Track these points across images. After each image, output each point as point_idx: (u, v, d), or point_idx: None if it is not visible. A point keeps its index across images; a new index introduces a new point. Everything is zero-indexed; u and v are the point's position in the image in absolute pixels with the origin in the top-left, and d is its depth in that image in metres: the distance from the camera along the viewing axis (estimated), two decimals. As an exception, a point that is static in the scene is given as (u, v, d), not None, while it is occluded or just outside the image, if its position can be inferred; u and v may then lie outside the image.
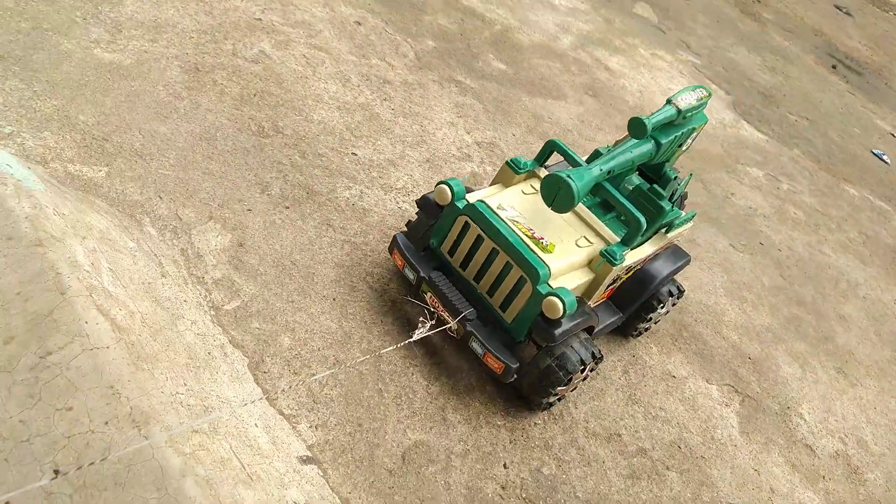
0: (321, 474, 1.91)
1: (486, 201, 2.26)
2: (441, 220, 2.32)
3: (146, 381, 1.65)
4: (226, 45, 3.24)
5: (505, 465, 2.18)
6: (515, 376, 2.20)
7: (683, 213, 2.59)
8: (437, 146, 3.30)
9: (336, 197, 2.77)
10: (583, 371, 2.26)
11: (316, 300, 2.35)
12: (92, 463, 1.43)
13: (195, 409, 1.72)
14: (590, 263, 2.28)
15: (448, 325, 2.22)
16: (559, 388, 2.20)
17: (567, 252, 2.23)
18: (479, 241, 2.23)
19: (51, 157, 2.33)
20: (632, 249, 2.36)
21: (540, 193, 2.15)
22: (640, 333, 2.79)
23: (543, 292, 2.08)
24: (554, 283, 2.13)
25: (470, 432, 2.20)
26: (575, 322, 2.15)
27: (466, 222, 2.25)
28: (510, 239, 2.15)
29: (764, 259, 3.65)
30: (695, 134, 2.49)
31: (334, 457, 1.97)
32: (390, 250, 2.42)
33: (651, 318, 2.68)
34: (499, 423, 2.29)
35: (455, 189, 2.28)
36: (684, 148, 2.52)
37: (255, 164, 2.73)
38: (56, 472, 1.43)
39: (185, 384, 1.77)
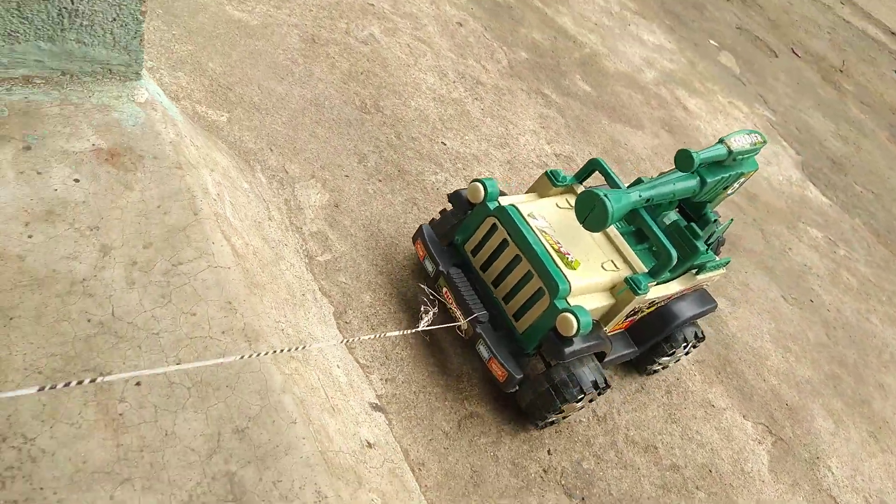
0: (387, 423, 2.06)
1: (518, 207, 2.22)
2: (470, 217, 2.29)
3: (257, 304, 1.82)
4: (340, 24, 3.44)
5: (549, 452, 2.31)
6: (517, 387, 2.17)
7: (718, 258, 2.55)
8: (518, 150, 3.46)
9: (423, 179, 2.93)
10: (585, 396, 2.20)
11: (397, 268, 2.51)
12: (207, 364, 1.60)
13: (293, 339, 1.89)
14: (612, 288, 2.22)
15: (458, 324, 2.21)
16: (562, 408, 2.17)
17: (591, 272, 2.17)
18: (503, 245, 2.19)
19: (182, 96, 2.54)
20: (658, 283, 2.30)
21: (574, 209, 2.10)
22: (653, 373, 2.75)
23: (560, 307, 2.03)
24: (572, 301, 2.08)
25: (520, 416, 2.34)
26: (587, 344, 2.10)
27: (494, 224, 2.21)
28: (535, 248, 2.10)
29: (812, 316, 3.73)
30: (743, 179, 2.42)
31: (399, 410, 2.12)
32: (414, 240, 2.40)
33: (666, 359, 2.65)
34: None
35: (489, 189, 2.24)
36: (730, 192, 2.46)
37: (356, 136, 2.91)
38: (179, 364, 1.60)
39: (285, 316, 1.94)
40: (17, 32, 1.78)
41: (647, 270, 2.24)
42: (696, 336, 2.62)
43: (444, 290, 2.27)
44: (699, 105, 5.02)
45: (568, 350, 2.04)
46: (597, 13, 5.25)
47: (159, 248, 1.76)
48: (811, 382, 3.29)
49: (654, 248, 2.34)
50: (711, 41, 6.02)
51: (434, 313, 2.13)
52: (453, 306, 2.23)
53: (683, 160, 2.12)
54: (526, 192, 2.45)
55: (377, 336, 2.20)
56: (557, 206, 2.33)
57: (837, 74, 7.17)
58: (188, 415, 1.54)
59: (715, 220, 2.46)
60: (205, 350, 1.65)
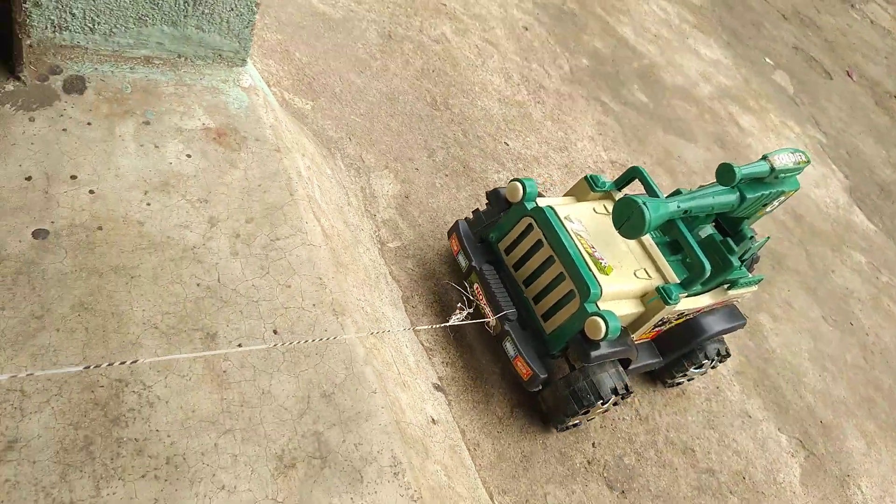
0: (447, 403, 2.20)
1: (556, 208, 2.23)
2: (506, 216, 2.32)
3: (342, 282, 1.97)
4: (415, 21, 3.58)
5: (593, 444, 2.43)
6: (541, 387, 2.20)
7: (751, 275, 2.53)
8: (576, 155, 3.57)
9: (486, 177, 3.07)
10: (608, 402, 2.21)
11: (460, 260, 2.65)
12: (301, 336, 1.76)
13: (370, 317, 2.04)
14: (643, 297, 2.23)
15: (487, 320, 2.24)
16: (583, 412, 2.19)
17: (623, 279, 2.18)
18: (538, 245, 2.21)
19: (272, 83, 2.70)
20: (689, 295, 2.30)
21: (611, 215, 2.11)
22: (675, 385, 2.76)
23: (589, 311, 2.05)
24: (602, 306, 2.10)
25: (569, 408, 2.47)
26: (613, 349, 2.12)
27: (530, 224, 2.23)
28: (569, 250, 2.12)
29: (851, 338, 3.78)
30: (783, 198, 2.40)
31: (458, 393, 2.26)
32: (449, 234, 2.44)
33: (690, 372, 2.64)
34: (593, 408, 2.54)
35: (527, 188, 2.26)
36: (768, 209, 2.43)
37: (426, 131, 3.05)
38: (275, 331, 1.76)
39: (364, 295, 2.09)
40: (147, 16, 1.95)
41: (678, 281, 2.25)
42: (720, 353, 2.61)
43: (476, 285, 2.31)
44: (752, 122, 5.07)
45: (594, 353, 2.06)
46: (657, 24, 5.32)
47: (259, 224, 1.92)
48: (846, 403, 3.36)
49: (687, 260, 2.35)
50: (767, 59, 6.04)
51: (469, 314, 2.18)
52: (483, 302, 2.27)
53: (725, 174, 2.10)
54: (564, 195, 2.50)
55: (406, 329, 2.27)
56: (595, 210, 2.35)
57: (892, 100, 7.13)
58: (282, 377, 1.69)
59: (751, 237, 2.45)
60: (298, 320, 1.80)
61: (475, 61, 3.64)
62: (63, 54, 1.93)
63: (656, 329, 2.40)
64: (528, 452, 2.27)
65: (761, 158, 2.20)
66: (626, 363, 2.30)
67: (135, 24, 1.95)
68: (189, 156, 1.96)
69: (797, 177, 2.40)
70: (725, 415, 2.88)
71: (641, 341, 2.44)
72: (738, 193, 2.21)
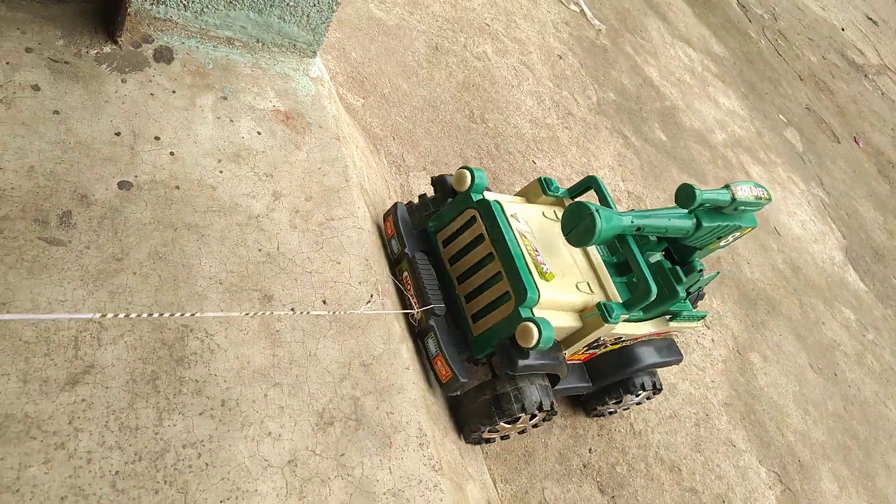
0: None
1: (503, 204, 2.12)
2: (450, 205, 2.19)
3: (385, 268, 2.13)
4: (460, 37, 3.77)
5: (590, 450, 2.59)
6: (460, 392, 2.08)
7: (695, 310, 2.41)
8: (596, 182, 3.75)
9: (512, 190, 3.24)
10: (532, 418, 2.12)
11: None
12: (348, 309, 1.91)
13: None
14: (581, 311, 2.08)
15: (412, 311, 2.08)
16: (501, 424, 2.07)
17: (564, 289, 2.02)
18: (478, 240, 2.08)
19: (330, 76, 2.87)
20: (630, 319, 2.20)
21: (560, 221, 2.00)
22: (600, 415, 2.66)
23: (523, 315, 1.90)
24: (538, 313, 1.96)
25: (571, 413, 2.62)
26: (542, 361, 1.96)
27: (474, 216, 2.10)
28: (511, 249, 1.98)
29: (834, 388, 3.97)
30: (739, 234, 2.27)
31: (472, 385, 2.41)
32: (385, 217, 2.28)
33: (618, 403, 2.55)
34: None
35: (476, 179, 2.13)
36: (722, 244, 2.30)
37: (462, 140, 3.23)
38: (324, 301, 1.91)
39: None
40: (236, 1, 2.11)
41: (621, 302, 2.11)
42: (653, 386, 2.49)
43: (405, 274, 2.14)
44: (760, 173, 5.29)
45: (522, 363, 1.91)
46: (680, 69, 5.55)
47: (317, 203, 2.08)
48: (824, 446, 3.53)
49: (633, 281, 2.24)
50: (780, 116, 6.29)
51: (382, 304, 1.98)
52: (410, 293, 2.10)
53: (685, 196, 1.98)
54: (515, 195, 2.38)
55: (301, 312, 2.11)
56: (544, 214, 2.22)
57: (894, 170, 7.40)
58: (328, 343, 1.84)
59: (700, 271, 2.32)
60: (344, 294, 1.96)
61: (512, 81, 3.83)
62: (156, 26, 2.09)
63: (590, 352, 2.28)
64: (531, 449, 2.42)
65: (724, 187, 2.09)
66: (553, 381, 2.16)
67: (224, 7, 2.12)
68: (259, 133, 2.12)
69: (755, 214, 2.29)
70: (712, 441, 3.04)
71: (573, 362, 2.33)
72: (694, 220, 2.09)
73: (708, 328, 3.58)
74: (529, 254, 2.02)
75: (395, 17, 3.49)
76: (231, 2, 2.10)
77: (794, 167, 5.76)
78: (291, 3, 2.17)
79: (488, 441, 2.22)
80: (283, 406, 1.69)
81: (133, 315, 1.59)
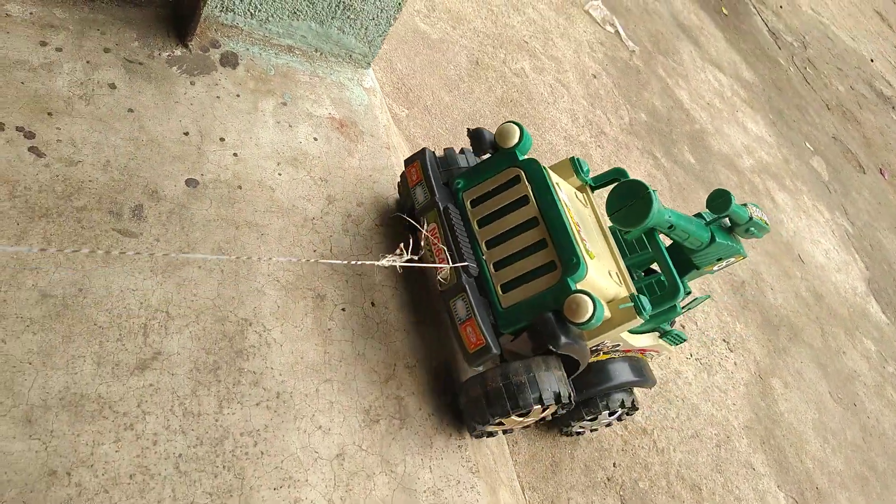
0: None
1: (549, 171, 1.95)
2: (488, 162, 2.00)
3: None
4: (499, 53, 3.86)
5: (614, 464, 2.64)
6: (482, 367, 1.86)
7: (680, 331, 2.32)
8: (626, 201, 3.82)
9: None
10: (546, 408, 1.90)
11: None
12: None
13: (446, 309, 2.26)
14: (610, 301, 1.90)
15: (442, 266, 1.85)
16: (517, 413, 1.82)
17: (601, 271, 1.86)
18: (521, 202, 1.89)
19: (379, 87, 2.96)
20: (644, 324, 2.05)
21: (607, 199, 1.85)
22: (571, 434, 2.51)
23: (573, 287, 1.73)
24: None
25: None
26: (578, 343, 1.79)
27: (518, 176, 1.92)
28: (563, 216, 1.82)
29: (853, 418, 3.99)
30: (733, 259, 2.20)
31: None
32: (408, 162, 2.07)
33: (587, 422, 2.37)
34: (618, 430, 2.75)
35: (524, 137, 1.96)
36: (715, 268, 2.22)
37: (499, 154, 3.31)
38: (372, 304, 1.99)
39: (441, 289, 2.32)
40: (300, 12, 2.21)
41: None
42: (628, 405, 2.31)
43: (433, 226, 1.92)
44: (786, 200, 5.33)
45: (564, 340, 1.72)
46: (710, 93, 5.61)
47: (367, 209, 2.16)
48: (841, 475, 3.55)
49: (649, 284, 2.16)
50: (807, 144, 6.33)
51: (409, 260, 1.77)
52: (437, 248, 1.87)
53: (721, 200, 1.90)
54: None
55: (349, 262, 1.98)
56: (577, 195, 2.07)
57: (918, 204, 7.40)
58: (375, 344, 1.92)
59: (689, 293, 2.26)
60: (391, 298, 2.03)
61: (547, 98, 3.91)
62: (223, 32, 2.19)
63: None
64: (557, 459, 2.48)
65: (742, 205, 2.04)
66: (572, 366, 1.94)
67: (288, 17, 2.21)
68: (316, 139, 2.20)
69: (742, 246, 2.21)
70: (732, 462, 3.08)
71: None
72: (710, 234, 2.02)
73: (731, 351, 3.62)
74: (575, 226, 1.86)
75: (439, 32, 3.58)
76: (295, 12, 2.20)
77: (820, 196, 5.79)
78: (352, 16, 2.27)
79: (490, 435, 2.01)
80: (332, 401, 1.76)
81: (52, 250, 1.67)
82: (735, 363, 3.58)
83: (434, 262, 1.87)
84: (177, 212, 1.83)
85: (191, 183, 1.90)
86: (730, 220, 2.04)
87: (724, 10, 6.92)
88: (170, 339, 1.64)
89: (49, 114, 1.80)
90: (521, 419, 1.92)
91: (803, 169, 5.94)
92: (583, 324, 1.70)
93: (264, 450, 1.61)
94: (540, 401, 1.78)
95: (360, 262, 1.78)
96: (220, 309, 1.74)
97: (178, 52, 2.11)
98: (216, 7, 2.10)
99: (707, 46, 6.11)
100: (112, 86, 1.94)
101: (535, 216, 1.86)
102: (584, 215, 2.00)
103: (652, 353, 2.35)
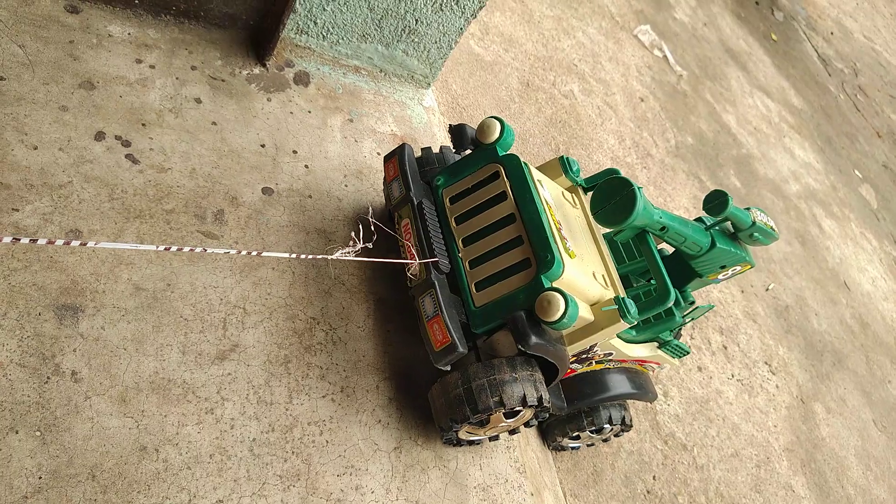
0: (540, 407, 2.51)
1: (530, 167, 1.89)
2: (468, 158, 1.94)
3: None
4: (549, 75, 3.99)
5: (654, 478, 2.70)
6: (449, 367, 1.75)
7: (682, 343, 2.22)
8: (670, 222, 3.88)
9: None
10: (514, 415, 1.81)
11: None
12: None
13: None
14: (594, 304, 1.81)
15: (411, 262, 1.82)
16: (483, 418, 1.74)
17: (583, 271, 1.77)
18: (499, 198, 1.83)
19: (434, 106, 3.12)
20: (624, 337, 2.00)
21: (592, 197, 1.77)
22: (561, 449, 2.44)
23: (546, 285, 1.64)
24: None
25: (639, 439, 2.74)
26: (552, 346, 1.68)
27: (497, 173, 1.85)
28: (539, 212, 1.74)
29: (898, 447, 3.95)
30: (739, 268, 2.08)
31: (548, 402, 2.57)
32: (387, 158, 2.02)
33: (579, 436, 2.29)
34: (658, 445, 2.81)
35: (506, 132, 1.90)
36: (720, 276, 2.09)
37: (548, 172, 3.42)
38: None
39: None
40: (369, 35, 2.37)
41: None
42: (623, 421, 2.22)
43: (406, 221, 1.88)
44: (833, 227, 5.30)
45: (535, 340, 1.62)
46: (757, 118, 5.63)
47: (425, 220, 2.29)
48: (885, 504, 3.53)
49: (647, 290, 2.04)
50: (856, 171, 6.28)
51: (361, 249, 1.70)
52: (409, 245, 1.83)
53: (718, 202, 1.80)
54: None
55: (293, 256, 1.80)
56: (563, 195, 1.99)
57: (971, 235, 7.24)
58: (430, 347, 2.04)
59: (692, 303, 2.15)
60: (446, 305, 2.15)
61: (595, 120, 4.01)
62: (297, 52, 2.36)
63: (572, 366, 2.02)
64: (599, 469, 2.56)
65: (745, 209, 1.94)
66: (550, 372, 1.83)
67: (357, 40, 2.38)
68: (379, 153, 2.35)
69: (751, 254, 2.09)
70: (771, 483, 3.10)
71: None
72: (710, 238, 1.91)
73: (773, 374, 3.64)
74: (554, 223, 1.78)
75: (492, 54, 3.72)
76: (364, 35, 2.36)
77: (868, 224, 5.74)
78: (416, 40, 2.42)
79: (471, 443, 1.91)
80: (391, 398, 1.88)
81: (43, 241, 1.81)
82: (777, 386, 3.60)
83: (405, 259, 1.82)
84: (254, 217, 1.98)
85: (266, 191, 2.05)
86: (732, 224, 1.93)
87: (774, 37, 6.94)
88: (246, 333, 1.78)
89: (143, 124, 1.98)
90: (492, 425, 1.82)
91: (851, 196, 5.90)
92: (554, 323, 1.60)
93: (329, 439, 1.73)
94: (501, 404, 1.68)
95: (311, 257, 1.72)
96: (290, 307, 1.88)
97: (256, 71, 2.28)
98: (292, 30, 2.27)
99: (755, 72, 6.14)
100: (198, 100, 2.12)
101: (512, 213, 1.79)
102: (571, 215, 1.93)
103: (652, 364, 2.23)
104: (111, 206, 1.79)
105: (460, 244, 1.85)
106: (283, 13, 2.16)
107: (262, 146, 2.14)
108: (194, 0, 2.18)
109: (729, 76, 5.70)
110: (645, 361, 2.17)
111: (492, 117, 1.93)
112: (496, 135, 1.91)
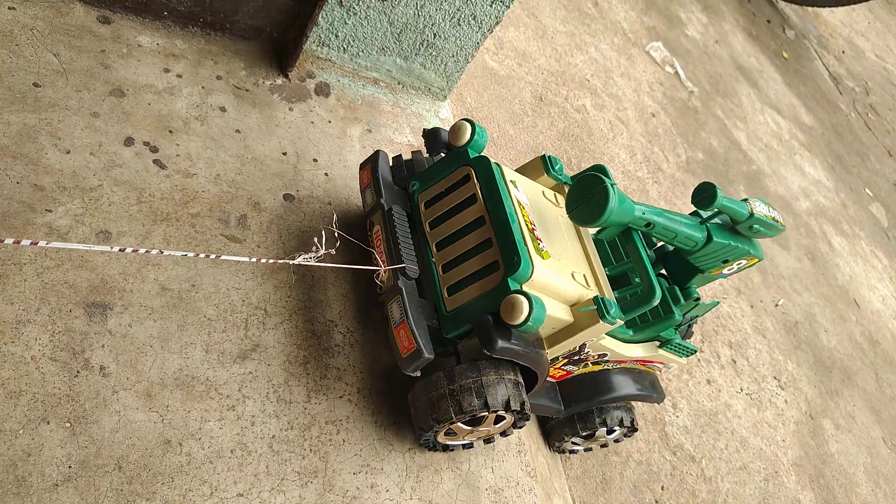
0: (550, 415, 2.54)
1: (503, 168, 1.86)
2: (441, 162, 1.93)
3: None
4: (562, 90, 4.05)
5: (662, 488, 2.72)
6: (419, 373, 1.73)
7: (687, 342, 2.16)
8: (680, 237, 3.92)
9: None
10: (499, 420, 1.79)
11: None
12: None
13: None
14: (574, 305, 1.78)
15: (378, 269, 1.81)
16: (459, 425, 1.76)
17: (559, 271, 1.73)
18: (470, 201, 1.80)
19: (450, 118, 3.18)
20: (619, 337, 1.96)
21: (566, 196, 1.71)
22: (563, 451, 2.40)
23: (511, 288, 1.62)
24: (529, 291, 1.64)
25: (647, 450, 2.77)
26: (524, 349, 1.65)
27: (468, 175, 1.83)
28: (508, 214, 1.71)
29: (907, 465, 3.94)
30: (745, 262, 2.01)
31: (558, 410, 2.60)
32: (362, 165, 2.02)
33: (581, 439, 2.28)
34: (666, 456, 2.83)
35: (477, 134, 1.88)
36: (725, 271, 2.03)
37: (560, 185, 3.47)
38: (443, 315, 2.16)
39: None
40: (388, 48, 2.44)
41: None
42: (626, 423, 2.18)
43: (377, 228, 1.87)
44: (842, 245, 5.32)
45: (502, 343, 1.59)
46: (768, 135, 5.67)
47: (441, 229, 2.35)
48: (893, 522, 3.52)
49: (627, 297, 1.93)
50: (867, 189, 6.30)
51: (324, 255, 1.68)
52: (379, 251, 1.83)
53: (706, 195, 1.74)
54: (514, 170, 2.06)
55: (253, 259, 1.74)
56: (544, 194, 1.96)
57: (983, 256, 7.22)
58: (444, 352, 2.08)
59: (697, 299, 2.08)
60: (460, 311, 2.20)
61: (607, 134, 4.07)
62: (318, 64, 2.43)
63: (567, 368, 2.02)
64: (608, 477, 2.58)
65: (742, 200, 1.88)
66: (531, 378, 1.82)
67: (376, 53, 2.45)
68: (396, 163, 2.41)
69: (761, 248, 2.06)
70: (779, 497, 3.11)
71: (546, 379, 1.99)
72: (705, 232, 1.86)
73: (782, 389, 3.66)
74: (527, 224, 1.75)
75: (506, 69, 3.79)
76: (383, 48, 2.43)
77: (878, 242, 5.75)
78: (434, 53, 2.48)
79: (446, 449, 1.90)
80: (406, 400, 1.92)
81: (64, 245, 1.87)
82: (786, 401, 3.61)
83: (379, 266, 1.81)
84: (275, 222, 2.04)
85: (288, 198, 2.12)
86: (730, 217, 1.87)
87: (785, 55, 7.00)
88: (267, 334, 1.83)
89: (170, 131, 2.05)
90: (472, 429, 1.81)
91: (862, 214, 5.91)
92: (519, 326, 1.57)
93: (346, 438, 1.78)
94: (485, 406, 1.67)
95: (269, 261, 1.72)
96: (310, 310, 1.94)
97: (279, 81, 2.35)
98: (314, 42, 2.35)
99: (766, 89, 6.19)
100: (223, 109, 2.19)
101: (481, 215, 1.77)
102: (551, 215, 1.90)
103: (658, 364, 2.17)
104: (139, 209, 1.86)
105: (434, 249, 1.84)
106: (306, 26, 2.24)
107: (284, 154, 2.20)
108: (221, 13, 2.25)
109: (740, 93, 5.75)
110: (646, 361, 2.12)
111: (463, 120, 1.93)
112: (467, 137, 1.89)
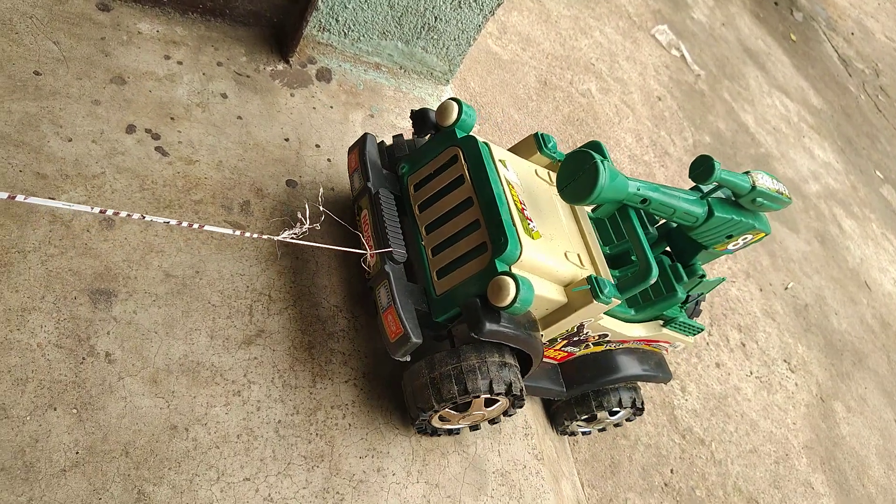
0: (558, 399, 2.53)
1: (492, 147, 1.81)
2: (429, 143, 1.89)
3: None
4: (566, 74, 4.02)
5: (672, 471, 2.71)
6: (408, 358, 1.70)
7: (693, 321, 2.10)
8: (688, 220, 3.89)
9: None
10: (491, 403, 1.75)
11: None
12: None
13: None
14: (568, 285, 1.74)
15: (366, 253, 1.78)
16: (455, 405, 1.72)
17: (550, 251, 1.69)
18: (458, 182, 1.76)
19: (451, 103, 3.16)
20: (619, 316, 1.91)
21: (557, 174, 1.68)
22: (570, 433, 2.37)
23: (499, 269, 1.58)
24: (518, 272, 1.61)
25: (655, 433, 2.76)
26: (514, 331, 1.61)
27: (456, 156, 1.79)
28: (495, 194, 1.66)
29: (920, 447, 3.92)
30: (751, 237, 1.91)
31: (566, 394, 2.59)
32: (351, 149, 1.98)
33: (587, 419, 2.24)
34: (675, 439, 2.82)
35: (464, 113, 1.84)
36: (731, 246, 1.94)
37: (565, 170, 3.45)
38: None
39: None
40: (389, 33, 2.42)
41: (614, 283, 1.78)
42: (633, 404, 2.14)
43: (364, 213, 1.84)
44: (853, 227, 5.27)
45: (490, 326, 1.56)
46: (776, 118, 5.62)
47: (445, 213, 2.33)
48: (906, 504, 3.50)
49: (627, 275, 1.85)
50: (877, 172, 6.23)
51: (307, 231, 1.63)
52: (367, 236, 1.80)
53: (703, 168, 1.67)
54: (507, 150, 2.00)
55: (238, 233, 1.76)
56: (536, 173, 1.92)
57: None
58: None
59: (702, 276, 2.02)
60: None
61: (613, 118, 4.04)
62: (319, 50, 2.41)
63: (568, 349, 1.98)
64: (617, 461, 2.57)
65: (744, 173, 1.80)
66: (525, 362, 1.80)
67: (378, 37, 2.43)
68: (399, 148, 2.39)
69: (768, 221, 1.98)
70: (790, 480, 3.09)
71: (547, 360, 2.02)
72: (706, 207, 1.79)
73: (793, 372, 3.63)
74: (516, 204, 1.70)
75: (510, 53, 3.76)
76: (384, 33, 2.41)
77: (889, 224, 5.69)
78: (435, 37, 2.46)
79: (435, 433, 1.87)
80: (412, 385, 1.92)
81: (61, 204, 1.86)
82: (796, 384, 3.59)
83: (368, 250, 1.78)
84: (278, 208, 2.04)
85: (290, 184, 2.11)
86: (732, 191, 1.80)
87: (793, 37, 6.92)
88: (272, 320, 1.83)
89: (172, 118, 2.05)
90: (463, 413, 1.79)
91: (872, 196, 5.85)
92: (506, 307, 1.55)
93: (352, 423, 1.78)
94: (490, 388, 1.65)
95: (255, 235, 1.67)
96: (314, 295, 1.93)
97: (280, 67, 2.34)
98: (315, 27, 2.33)
99: (774, 72, 6.12)
100: (224, 95, 2.18)
101: (469, 196, 1.73)
102: (543, 194, 1.85)
103: (663, 344, 2.13)
104: (142, 195, 1.85)
105: (423, 231, 1.81)
106: (306, 11, 2.22)
107: (286, 140, 2.19)
108: (221, -1, 2.24)
109: (747, 76, 5.69)
110: (650, 341, 2.07)
111: (450, 99, 1.87)
112: (454, 117, 1.85)
